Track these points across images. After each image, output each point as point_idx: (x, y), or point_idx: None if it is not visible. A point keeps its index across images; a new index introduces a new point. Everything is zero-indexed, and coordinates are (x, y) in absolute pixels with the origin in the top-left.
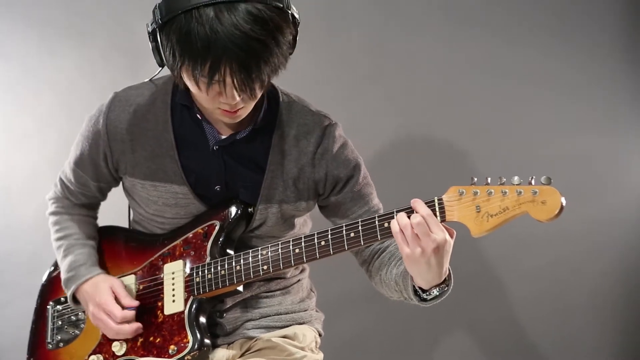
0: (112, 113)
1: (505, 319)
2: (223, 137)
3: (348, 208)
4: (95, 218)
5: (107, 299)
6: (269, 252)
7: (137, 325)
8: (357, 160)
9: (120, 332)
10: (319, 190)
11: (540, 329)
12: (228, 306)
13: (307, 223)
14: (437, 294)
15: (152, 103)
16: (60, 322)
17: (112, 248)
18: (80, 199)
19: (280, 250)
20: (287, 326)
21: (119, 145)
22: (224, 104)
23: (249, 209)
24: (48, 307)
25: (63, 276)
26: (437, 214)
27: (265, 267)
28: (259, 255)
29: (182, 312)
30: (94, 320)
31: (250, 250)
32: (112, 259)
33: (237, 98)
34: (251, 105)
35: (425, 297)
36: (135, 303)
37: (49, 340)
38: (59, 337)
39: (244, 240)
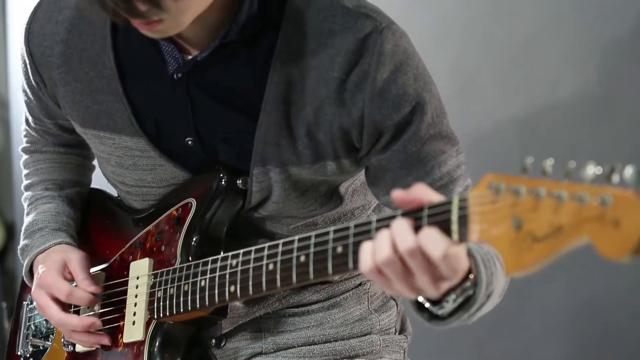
0: (35, 24)
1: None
2: (189, 57)
3: (397, 178)
4: (86, 157)
5: (52, 273)
6: (239, 264)
7: (89, 319)
8: (421, 95)
9: (63, 322)
10: (353, 143)
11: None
12: (229, 329)
13: (360, 193)
14: (457, 304)
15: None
16: (34, 327)
17: (95, 225)
18: (47, 138)
19: (252, 262)
20: None
21: (47, 72)
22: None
23: (238, 181)
24: (24, 303)
25: (20, 245)
26: (455, 230)
27: (232, 289)
28: (227, 267)
29: (142, 343)
30: (37, 307)
31: (220, 257)
32: (91, 243)
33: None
34: (178, 19)
35: (438, 313)
36: (96, 288)
37: (19, 351)
38: (31, 349)
39: (250, 224)
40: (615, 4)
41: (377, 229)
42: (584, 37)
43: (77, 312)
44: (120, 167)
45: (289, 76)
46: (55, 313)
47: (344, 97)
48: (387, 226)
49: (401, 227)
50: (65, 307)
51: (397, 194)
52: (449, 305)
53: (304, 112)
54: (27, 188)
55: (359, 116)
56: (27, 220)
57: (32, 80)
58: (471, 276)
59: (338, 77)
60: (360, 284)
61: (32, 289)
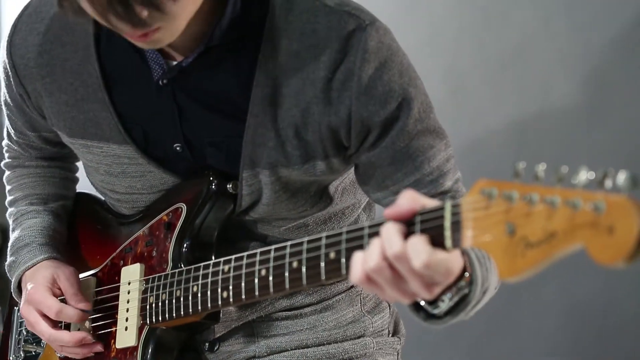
0: (17, 35)
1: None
2: (174, 63)
3: (387, 175)
4: (69, 170)
5: (40, 289)
6: (231, 270)
7: (79, 334)
8: (407, 91)
9: (54, 339)
10: (342, 141)
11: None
12: (222, 333)
13: (349, 192)
14: (453, 303)
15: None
16: (25, 333)
17: (84, 230)
18: (30, 152)
19: (244, 268)
20: None
21: (31, 84)
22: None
23: (228, 185)
24: (14, 308)
25: (7, 262)
26: (448, 235)
27: (224, 295)
28: (220, 273)
29: (135, 349)
30: (27, 323)
31: (212, 263)
32: (80, 247)
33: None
34: (174, 25)
35: (434, 312)
36: (85, 304)
37: (11, 357)
38: (23, 355)
39: (241, 227)
40: (606, 8)
41: (370, 235)
42: (576, 42)
43: (68, 323)
44: (110, 175)
45: (274, 78)
46: (45, 329)
47: (330, 96)
48: (379, 233)
49: (389, 232)
50: (55, 322)
51: (389, 213)
52: (444, 305)
53: (291, 113)
54: (11, 204)
55: (346, 114)
56: (13, 236)
57: (16, 93)
58: (466, 275)
59: (324, 77)
60: (352, 286)
61: (21, 306)
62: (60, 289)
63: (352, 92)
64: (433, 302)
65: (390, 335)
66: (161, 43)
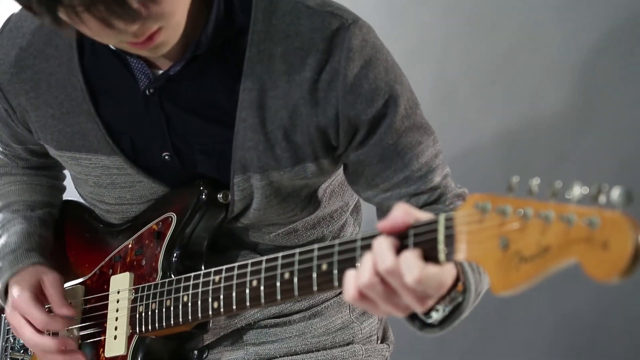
0: (0, 50)
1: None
2: (160, 72)
3: (376, 173)
4: (56, 178)
5: (26, 297)
6: (222, 280)
7: (62, 340)
8: (393, 88)
9: (35, 344)
10: (330, 141)
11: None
12: (210, 341)
13: (337, 194)
14: (446, 313)
15: (53, 30)
16: (12, 340)
17: (73, 238)
18: (17, 162)
19: (235, 278)
20: None
21: (15, 99)
22: (124, 35)
23: (219, 195)
24: (2, 315)
25: None
26: (442, 248)
27: (215, 305)
28: (210, 283)
29: (124, 358)
30: (12, 328)
31: (203, 273)
32: (69, 255)
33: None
34: (174, 21)
35: (429, 321)
36: (70, 311)
37: None
38: None
39: (230, 235)
40: (595, 16)
41: (362, 247)
42: (565, 50)
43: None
44: (99, 187)
45: (261, 82)
46: (29, 335)
47: (317, 96)
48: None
49: (381, 247)
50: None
51: (382, 226)
52: (438, 315)
53: (279, 115)
54: None
55: (334, 114)
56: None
57: (1, 108)
58: (459, 284)
59: (310, 78)
60: (341, 292)
61: (6, 311)
62: (45, 295)
63: (339, 91)
64: (426, 312)
65: (379, 341)
66: (167, 45)
